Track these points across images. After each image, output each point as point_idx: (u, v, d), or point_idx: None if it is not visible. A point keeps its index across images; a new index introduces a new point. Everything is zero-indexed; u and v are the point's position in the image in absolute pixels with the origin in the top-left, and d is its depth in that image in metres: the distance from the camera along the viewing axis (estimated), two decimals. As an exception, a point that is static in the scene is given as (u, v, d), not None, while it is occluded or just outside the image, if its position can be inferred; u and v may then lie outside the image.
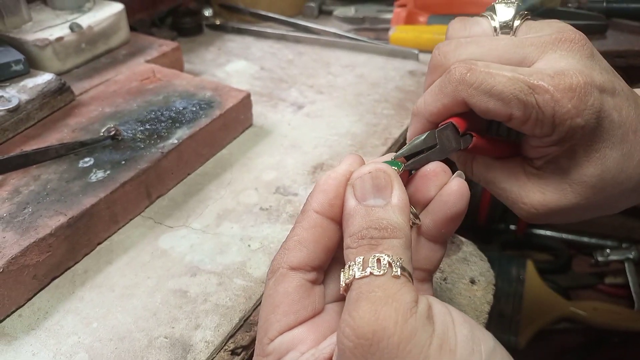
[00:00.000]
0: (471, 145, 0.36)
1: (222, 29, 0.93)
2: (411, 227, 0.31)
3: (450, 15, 0.88)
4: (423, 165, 0.34)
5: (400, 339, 0.24)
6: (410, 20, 0.87)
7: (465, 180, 0.34)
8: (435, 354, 0.25)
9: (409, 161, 0.34)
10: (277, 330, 0.29)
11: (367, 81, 0.77)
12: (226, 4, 0.96)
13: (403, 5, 0.88)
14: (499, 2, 0.38)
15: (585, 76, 0.32)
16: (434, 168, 0.33)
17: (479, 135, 0.37)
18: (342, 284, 0.28)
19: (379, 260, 0.27)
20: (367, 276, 0.26)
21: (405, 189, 0.31)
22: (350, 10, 0.91)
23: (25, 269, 0.44)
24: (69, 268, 0.48)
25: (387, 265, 0.26)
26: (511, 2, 0.38)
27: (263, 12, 0.93)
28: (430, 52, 0.39)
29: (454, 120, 0.36)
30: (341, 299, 0.33)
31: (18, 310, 0.44)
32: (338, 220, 0.31)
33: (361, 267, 0.27)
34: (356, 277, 0.27)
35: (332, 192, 0.31)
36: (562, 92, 0.32)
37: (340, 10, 0.92)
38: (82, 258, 0.49)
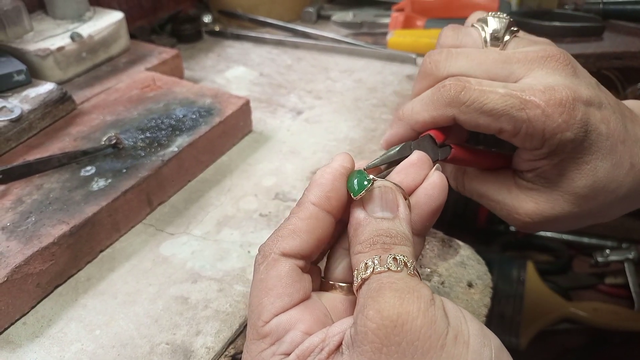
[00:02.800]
0: (450, 156, 0.37)
1: (222, 35, 0.94)
2: None
3: (447, 19, 0.89)
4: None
5: (423, 323, 0.26)
6: (407, 24, 0.88)
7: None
8: (451, 343, 0.26)
9: (384, 172, 0.35)
10: (272, 312, 0.30)
11: (365, 86, 0.78)
12: (225, 10, 0.97)
13: (400, 10, 0.89)
14: (490, 15, 0.39)
15: (573, 91, 0.34)
16: (421, 157, 0.34)
17: (459, 146, 0.38)
18: (358, 279, 0.29)
19: (395, 259, 0.28)
20: (385, 271, 0.28)
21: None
22: (349, 15, 0.92)
23: (29, 278, 0.45)
24: (72, 276, 0.49)
25: (403, 264, 0.28)
26: (502, 17, 0.39)
27: (262, 18, 0.94)
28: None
29: (432, 133, 0.37)
30: (320, 289, 0.35)
31: (22, 318, 0.45)
32: (333, 212, 0.33)
33: (379, 264, 0.28)
34: (375, 271, 0.28)
35: (328, 185, 0.32)
36: (552, 107, 0.33)
37: (338, 15, 0.92)
38: (85, 266, 0.50)
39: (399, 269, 0.28)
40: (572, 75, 0.35)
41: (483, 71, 0.36)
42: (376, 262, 0.29)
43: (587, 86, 0.35)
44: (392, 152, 0.36)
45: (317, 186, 0.33)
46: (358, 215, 0.32)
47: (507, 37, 0.39)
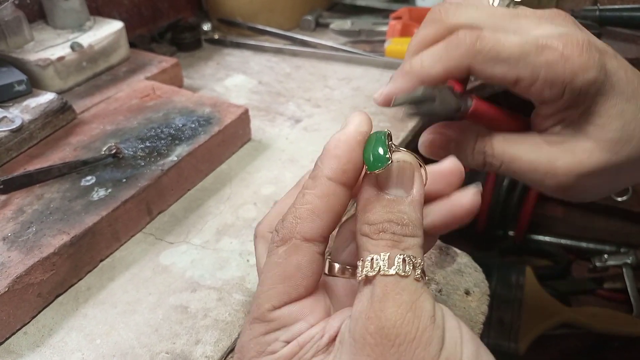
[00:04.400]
0: (472, 107, 0.35)
1: (221, 43, 0.94)
2: None
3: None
4: (426, 115, 0.33)
5: (418, 344, 0.26)
6: (405, 32, 0.88)
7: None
8: None
9: (412, 111, 0.33)
10: (285, 301, 0.30)
11: (363, 94, 0.78)
12: (225, 19, 0.97)
13: (398, 18, 0.90)
14: None
15: (588, 36, 0.33)
16: (452, 166, 0.33)
17: (479, 98, 0.36)
18: (362, 274, 0.28)
19: (404, 261, 0.28)
20: (392, 275, 0.27)
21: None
22: (347, 24, 0.93)
23: (30, 288, 0.45)
24: (72, 285, 0.49)
25: (411, 267, 0.28)
26: None
27: (261, 26, 0.95)
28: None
29: (450, 84, 0.35)
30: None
31: (23, 328, 0.45)
32: (350, 185, 0.30)
33: (387, 265, 0.27)
34: (381, 273, 0.27)
35: (344, 157, 0.30)
36: (570, 48, 0.32)
37: (336, 24, 0.93)
38: (85, 275, 0.50)
39: (406, 274, 0.27)
40: (581, 30, 0.35)
41: (492, 23, 0.35)
42: (384, 261, 0.27)
43: (596, 40, 0.34)
44: (417, 93, 0.33)
45: (332, 158, 0.30)
46: (370, 190, 0.30)
47: (511, 6, 0.38)
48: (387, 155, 0.28)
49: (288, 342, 0.29)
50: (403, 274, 0.27)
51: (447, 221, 0.33)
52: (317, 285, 0.31)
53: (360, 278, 0.28)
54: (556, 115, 0.35)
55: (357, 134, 0.30)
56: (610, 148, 0.35)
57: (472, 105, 0.35)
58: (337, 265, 0.34)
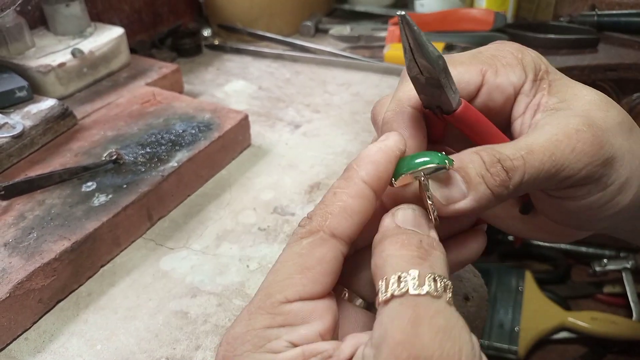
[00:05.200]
0: (461, 108, 0.32)
1: (221, 49, 0.95)
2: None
3: (444, 32, 0.90)
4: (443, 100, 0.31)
5: None
6: (404, 38, 0.89)
7: None
8: None
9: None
10: (300, 294, 0.27)
11: (362, 99, 0.79)
12: (224, 25, 0.98)
13: (397, 24, 0.90)
14: None
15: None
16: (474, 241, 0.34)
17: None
18: (387, 294, 0.25)
19: (435, 280, 0.25)
20: (424, 295, 0.24)
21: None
22: (346, 29, 0.93)
23: (31, 293, 0.45)
24: (73, 291, 0.49)
25: (442, 289, 0.25)
26: None
27: (261, 32, 0.95)
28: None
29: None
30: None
31: (24, 334, 0.46)
32: (379, 195, 0.30)
33: (417, 283, 0.24)
34: (411, 293, 0.24)
35: (382, 165, 0.29)
36: (581, 144, 0.31)
37: (336, 29, 0.94)
38: (86, 281, 0.50)
39: (439, 293, 0.24)
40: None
41: None
42: (414, 279, 0.24)
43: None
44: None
45: (370, 163, 0.29)
46: (390, 216, 0.29)
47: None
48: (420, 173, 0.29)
49: (292, 344, 0.26)
50: (436, 294, 0.24)
51: (452, 265, 0.33)
52: (331, 291, 0.29)
53: (383, 298, 0.25)
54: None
55: (396, 148, 0.30)
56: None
57: (462, 105, 0.32)
58: (345, 289, 0.32)
